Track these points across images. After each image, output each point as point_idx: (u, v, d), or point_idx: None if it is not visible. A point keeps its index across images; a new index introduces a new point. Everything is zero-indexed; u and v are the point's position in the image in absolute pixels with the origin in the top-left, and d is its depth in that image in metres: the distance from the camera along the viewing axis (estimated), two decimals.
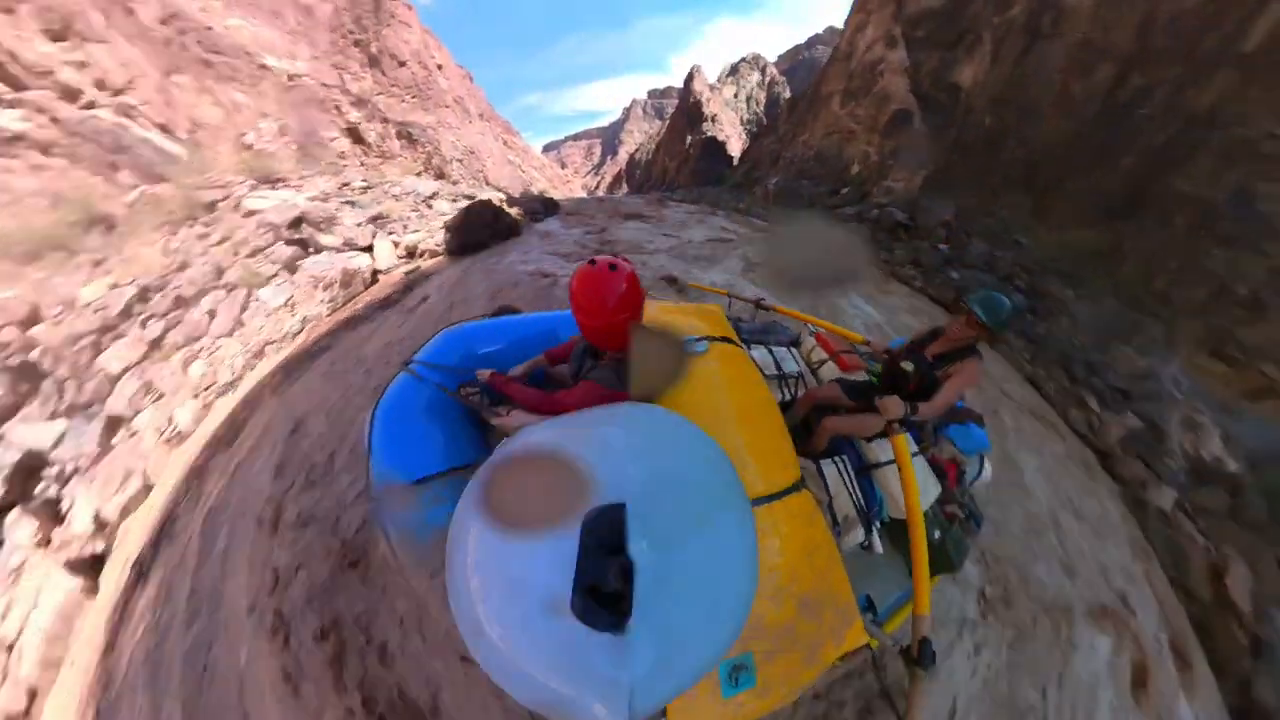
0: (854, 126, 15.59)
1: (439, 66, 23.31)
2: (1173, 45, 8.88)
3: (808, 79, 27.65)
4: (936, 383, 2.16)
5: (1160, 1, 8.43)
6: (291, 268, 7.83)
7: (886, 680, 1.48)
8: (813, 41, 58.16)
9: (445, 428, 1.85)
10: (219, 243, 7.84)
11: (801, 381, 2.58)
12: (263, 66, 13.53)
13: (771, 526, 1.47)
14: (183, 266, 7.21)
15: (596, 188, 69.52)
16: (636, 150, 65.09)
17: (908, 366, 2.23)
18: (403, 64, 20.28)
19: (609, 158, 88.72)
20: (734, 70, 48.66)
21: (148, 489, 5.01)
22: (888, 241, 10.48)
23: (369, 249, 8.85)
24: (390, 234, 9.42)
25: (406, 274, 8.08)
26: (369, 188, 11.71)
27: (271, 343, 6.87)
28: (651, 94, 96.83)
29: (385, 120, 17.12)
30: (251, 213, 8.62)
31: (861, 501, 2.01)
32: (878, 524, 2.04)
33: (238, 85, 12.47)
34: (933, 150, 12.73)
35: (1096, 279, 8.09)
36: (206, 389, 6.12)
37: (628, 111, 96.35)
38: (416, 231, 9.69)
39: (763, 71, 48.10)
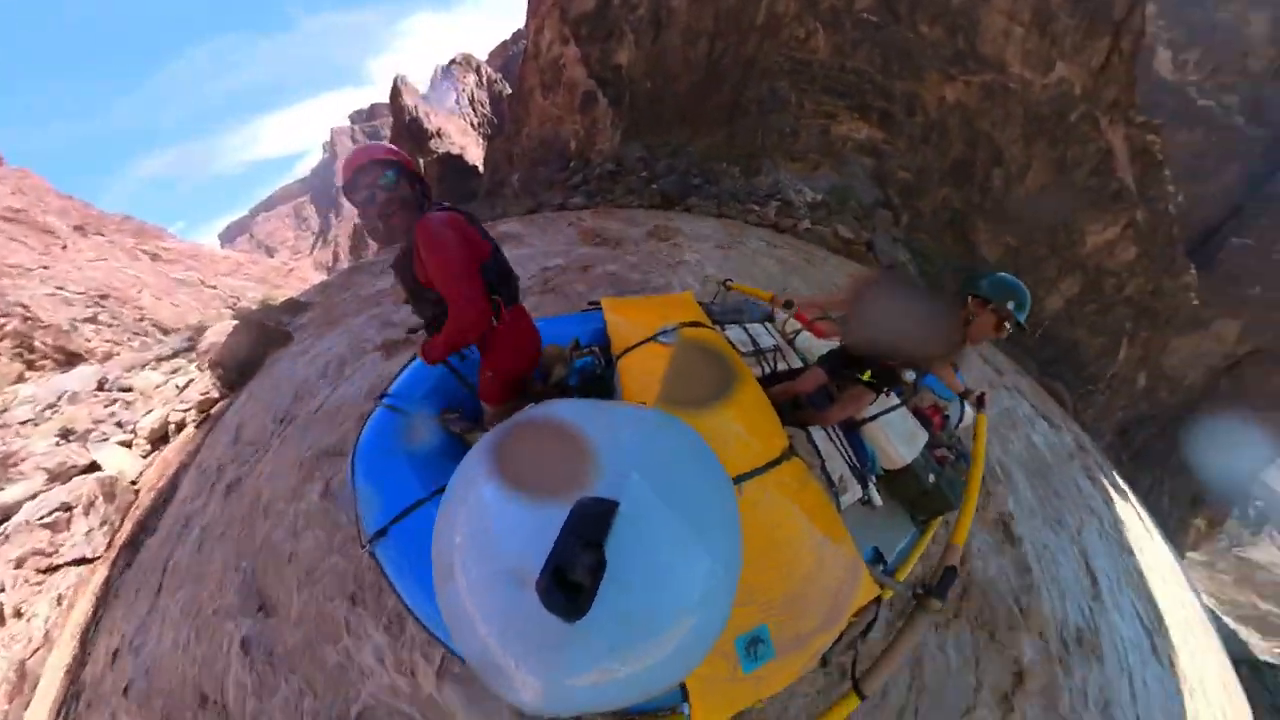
0: (559, 112, 18.64)
1: None
2: (728, 23, 13.90)
3: None
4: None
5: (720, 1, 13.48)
6: None
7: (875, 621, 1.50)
8: (518, 36, 56.14)
9: (428, 454, 1.83)
10: None
11: (779, 354, 2.61)
12: None
13: (765, 499, 1.51)
14: None
15: (334, 263, 51.39)
16: None
17: (909, 377, 2.20)
18: None
19: (332, 216, 64.34)
20: (447, 74, 45.76)
21: None
22: (609, 187, 13.72)
23: (92, 467, 6.50)
24: (110, 437, 7.31)
25: (188, 454, 6.42)
26: None
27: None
28: (356, 117, 74.57)
29: None
30: None
31: (854, 459, 2.06)
32: (873, 478, 2.08)
33: None
34: (617, 114, 16.52)
35: (730, 155, 12.56)
36: None
37: (331, 146, 73.74)
38: (150, 411, 7.86)
39: (478, 71, 45.64)
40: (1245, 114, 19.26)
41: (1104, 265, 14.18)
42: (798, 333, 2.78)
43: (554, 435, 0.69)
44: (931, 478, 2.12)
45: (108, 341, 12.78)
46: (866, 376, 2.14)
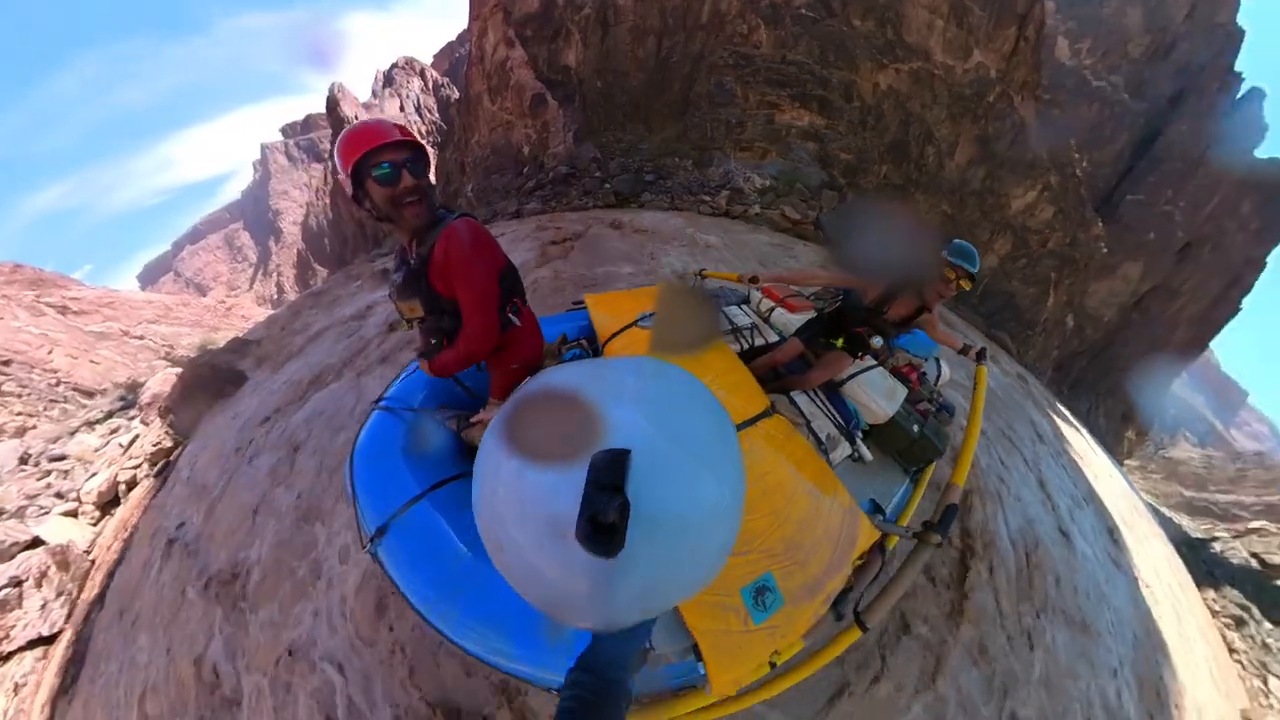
0: (509, 117, 18.59)
1: None
2: (675, 21, 14.43)
3: None
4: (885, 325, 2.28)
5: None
6: None
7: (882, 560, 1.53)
8: (463, 38, 49.81)
9: (424, 452, 1.85)
10: None
11: (756, 331, 2.74)
12: None
13: (751, 450, 1.54)
14: None
15: (279, 295, 46.53)
16: (306, 213, 46.77)
17: (876, 343, 2.31)
18: None
19: (271, 243, 56.08)
20: (389, 80, 43.45)
21: None
22: (564, 190, 14.00)
23: (35, 543, 6.00)
24: (51, 509, 6.87)
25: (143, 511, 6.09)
26: None
27: None
28: (290, 130, 66.94)
29: None
30: None
31: (838, 417, 2.12)
32: (859, 434, 2.15)
33: None
34: (568, 115, 16.73)
35: (682, 149, 13.22)
36: None
37: (263, 165, 65.81)
38: (94, 475, 7.38)
39: (422, 75, 43.72)
40: (1129, 91, 22.29)
41: (1028, 224, 15.81)
42: (772, 310, 2.90)
43: (554, 405, 0.72)
44: (917, 428, 2.21)
45: (19, 415, 11.31)
46: (840, 343, 2.32)
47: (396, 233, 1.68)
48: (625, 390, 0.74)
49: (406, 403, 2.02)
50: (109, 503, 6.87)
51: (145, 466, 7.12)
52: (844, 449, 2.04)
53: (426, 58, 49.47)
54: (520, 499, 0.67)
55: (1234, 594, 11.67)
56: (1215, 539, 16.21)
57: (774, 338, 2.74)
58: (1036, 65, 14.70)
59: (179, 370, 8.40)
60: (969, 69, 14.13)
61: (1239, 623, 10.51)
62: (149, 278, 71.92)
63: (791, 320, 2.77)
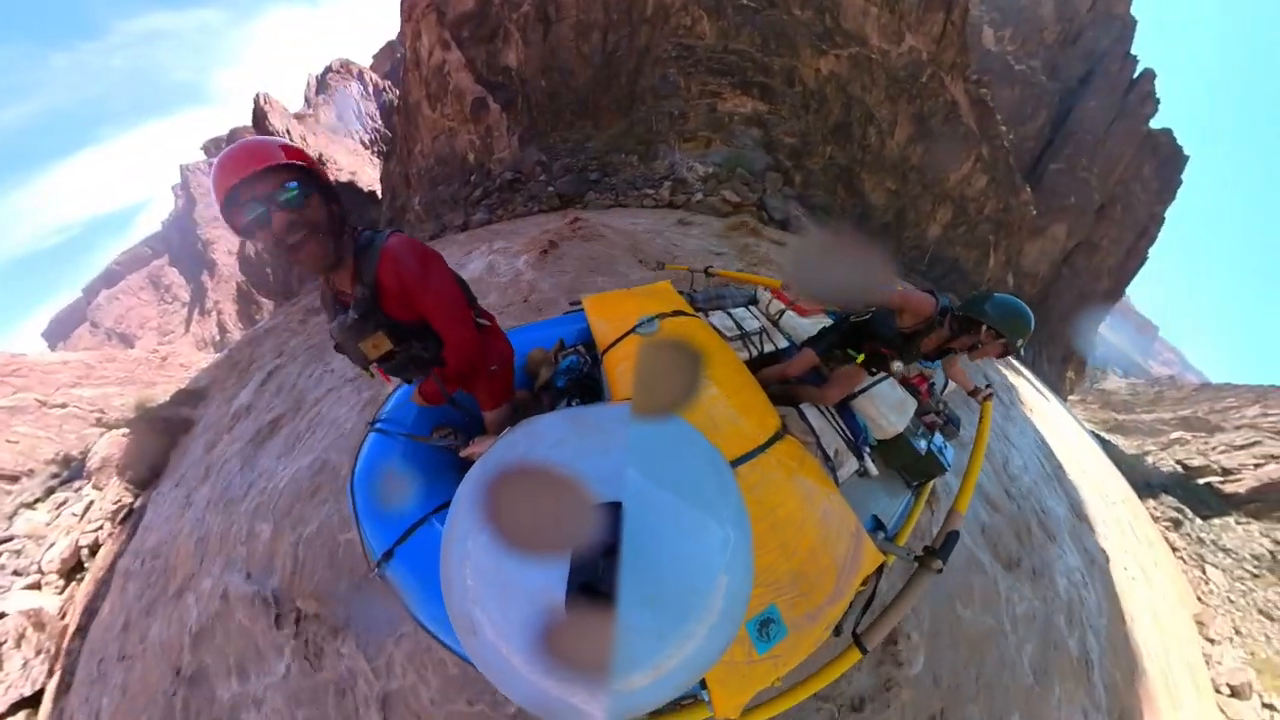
0: (451, 124, 18.06)
1: None
2: (620, 15, 14.37)
3: None
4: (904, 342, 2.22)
5: None
6: None
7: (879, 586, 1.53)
8: (403, 38, 45.98)
9: (425, 473, 1.86)
10: None
11: (765, 336, 2.63)
12: None
13: (763, 480, 1.51)
14: None
15: (222, 336, 41.08)
16: (242, 241, 34.96)
17: (897, 367, 2.27)
18: None
19: (205, 276, 47.47)
20: (323, 86, 38.76)
21: None
22: (510, 198, 13.72)
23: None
24: (12, 586, 6.65)
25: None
26: None
27: None
28: (213, 147, 56.46)
29: None
30: None
31: (847, 432, 2.09)
32: (867, 449, 2.12)
33: None
34: (512, 118, 16.41)
35: (629, 145, 13.31)
36: None
37: (185, 189, 55.61)
38: (52, 545, 7.11)
39: (361, 79, 40.15)
40: (1046, 73, 24.87)
41: (965, 194, 16.80)
42: (782, 313, 2.78)
43: (527, 480, 0.64)
44: (924, 444, 2.18)
45: None
46: (860, 359, 2.27)
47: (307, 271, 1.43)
48: (612, 444, 0.70)
49: (401, 423, 1.97)
50: (73, 569, 6.61)
51: (107, 525, 6.83)
52: (851, 464, 2.00)
53: (365, 59, 45.43)
54: (498, 579, 0.61)
55: (1169, 499, 13.40)
56: (1147, 453, 18.86)
57: (784, 343, 2.64)
58: (964, 48, 15.61)
59: (125, 432, 8.07)
60: (903, 52, 14.82)
61: (1176, 524, 12.05)
62: (58, 333, 58.79)
63: (802, 325, 2.67)
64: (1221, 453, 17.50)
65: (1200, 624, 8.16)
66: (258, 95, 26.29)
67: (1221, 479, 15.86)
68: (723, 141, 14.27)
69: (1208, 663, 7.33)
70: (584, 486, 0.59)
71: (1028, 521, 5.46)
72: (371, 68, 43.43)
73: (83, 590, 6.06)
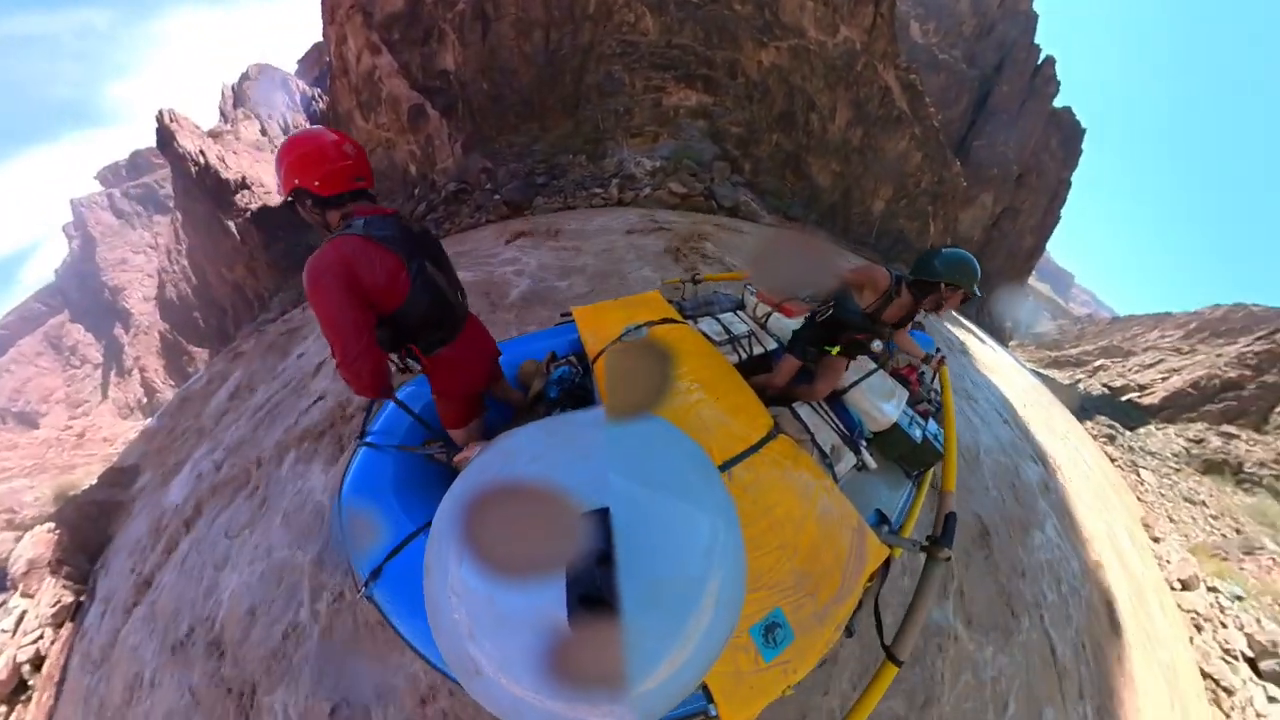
0: (387, 135, 17.22)
1: None
2: (561, 13, 14.12)
3: None
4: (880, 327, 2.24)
5: None
6: None
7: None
8: (328, 42, 38.29)
9: (415, 487, 1.81)
10: None
11: (754, 339, 2.66)
12: None
13: (758, 480, 1.49)
14: None
15: (150, 397, 33.98)
16: (160, 283, 32.77)
17: (877, 346, 2.29)
18: None
19: (117, 329, 39.37)
20: (240, 97, 34.85)
21: None
22: (456, 209, 13.17)
23: None
24: None
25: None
26: None
27: None
28: (111, 175, 48.00)
29: None
30: None
31: (841, 427, 2.09)
32: (863, 442, 2.12)
33: None
34: (454, 124, 15.88)
35: (576, 144, 13.80)
36: None
37: (80, 228, 44.94)
38: None
39: (285, 87, 36.23)
40: (966, 62, 27.95)
41: (903, 170, 17.78)
42: (769, 315, 2.79)
43: (509, 500, 0.63)
44: (919, 432, 2.19)
45: None
46: (835, 351, 2.28)
47: None
48: (591, 450, 0.69)
49: (391, 437, 1.94)
50: (14, 691, 5.91)
51: (49, 632, 6.14)
52: (849, 459, 2.01)
53: (289, 64, 40.07)
54: (490, 610, 0.58)
55: (1102, 419, 15.52)
56: (1078, 381, 22.31)
57: (772, 345, 2.69)
58: (893, 38, 16.51)
59: (51, 526, 7.20)
60: (838, 43, 15.44)
61: (1111, 439, 13.85)
62: None
63: (789, 326, 2.65)
64: (1136, 372, 20.96)
65: (1146, 526, 9.10)
66: (161, 113, 22.15)
67: (1139, 394, 19.00)
68: (670, 135, 14.40)
69: (1160, 564, 7.79)
70: (568, 498, 0.58)
71: (1008, 490, 5.92)
72: (297, 73, 38.77)
73: (38, 705, 5.41)
